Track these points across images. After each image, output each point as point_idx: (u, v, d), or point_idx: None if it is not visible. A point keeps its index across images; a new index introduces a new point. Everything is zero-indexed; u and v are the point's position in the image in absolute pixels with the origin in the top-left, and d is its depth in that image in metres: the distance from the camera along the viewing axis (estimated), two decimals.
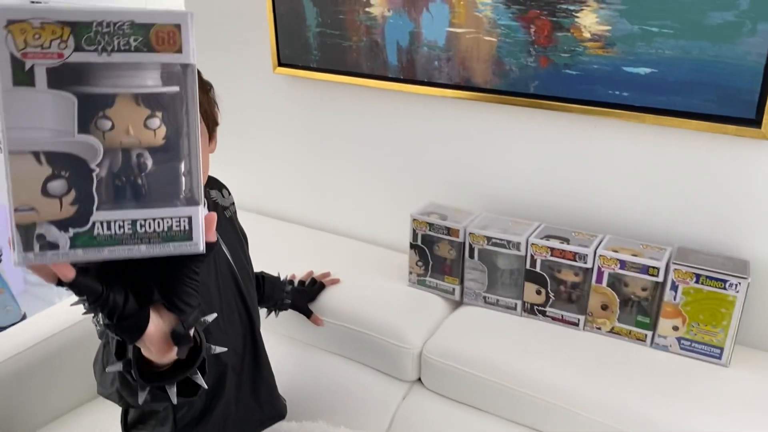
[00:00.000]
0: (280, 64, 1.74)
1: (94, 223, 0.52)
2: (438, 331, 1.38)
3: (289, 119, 1.81)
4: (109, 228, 0.52)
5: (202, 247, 0.55)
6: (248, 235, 1.26)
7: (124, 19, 0.51)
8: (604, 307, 1.31)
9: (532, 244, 1.33)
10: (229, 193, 1.23)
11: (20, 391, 1.49)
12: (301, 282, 1.52)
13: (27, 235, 0.50)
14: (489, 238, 1.37)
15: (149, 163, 0.53)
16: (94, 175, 0.52)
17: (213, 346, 0.72)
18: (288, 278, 1.50)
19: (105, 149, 0.52)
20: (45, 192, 0.50)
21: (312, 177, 1.84)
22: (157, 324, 0.59)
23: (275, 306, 1.43)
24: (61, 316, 1.61)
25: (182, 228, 0.54)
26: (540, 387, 1.21)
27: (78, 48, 0.50)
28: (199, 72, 0.91)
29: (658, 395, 1.16)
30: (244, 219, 1.29)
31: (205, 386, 0.68)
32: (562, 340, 1.32)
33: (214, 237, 0.57)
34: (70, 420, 1.57)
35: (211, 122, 0.99)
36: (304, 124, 1.79)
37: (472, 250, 1.40)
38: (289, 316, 1.48)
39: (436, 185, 1.61)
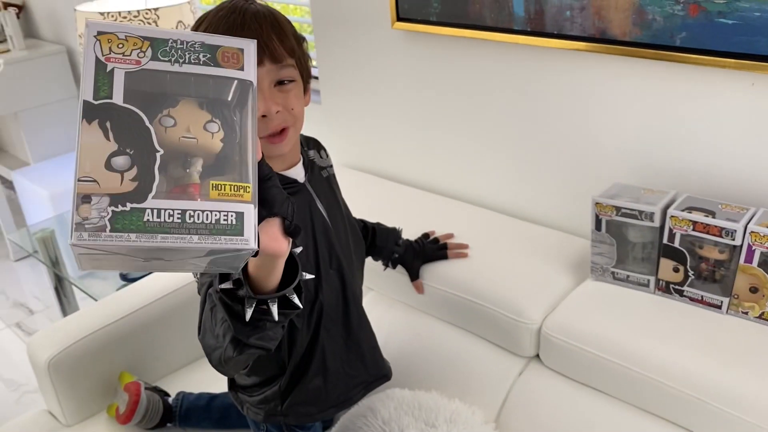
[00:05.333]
0: (399, 19, 1.66)
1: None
2: (560, 307, 1.29)
3: (408, 77, 1.74)
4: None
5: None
6: (370, 195, 1.22)
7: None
8: (753, 290, 1.16)
9: (672, 216, 1.20)
10: (327, 155, 1.21)
11: (148, 340, 1.57)
12: (425, 236, 1.46)
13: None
14: (618, 209, 1.25)
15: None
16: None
17: (303, 273, 0.78)
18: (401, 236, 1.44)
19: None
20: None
21: (427, 137, 1.77)
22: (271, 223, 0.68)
23: (388, 258, 1.39)
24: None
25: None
26: (671, 373, 1.10)
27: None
28: (291, 24, 0.97)
29: None
30: (357, 178, 1.25)
31: (301, 305, 0.76)
32: (701, 323, 1.19)
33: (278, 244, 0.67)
34: (194, 369, 1.65)
35: (306, 75, 1.00)
36: (424, 83, 1.71)
37: (599, 221, 1.28)
38: (404, 281, 1.44)
39: (558, 149, 1.49)
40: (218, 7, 0.95)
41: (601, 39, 1.31)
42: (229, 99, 0.60)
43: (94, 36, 0.57)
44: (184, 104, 0.58)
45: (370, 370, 1.22)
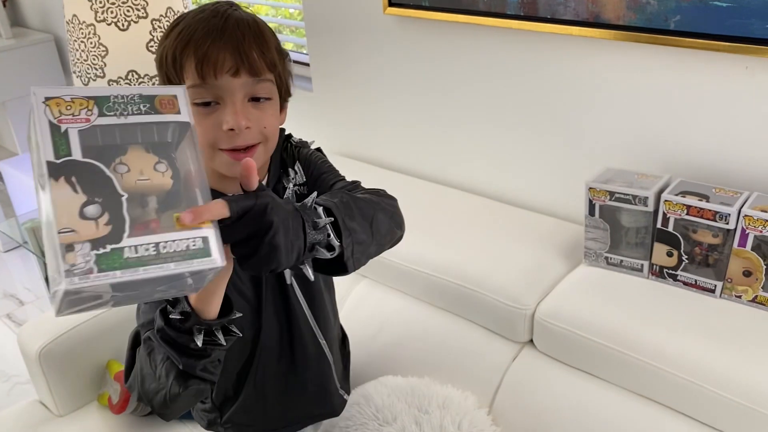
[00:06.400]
0: (391, 4, 1.65)
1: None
2: (553, 292, 1.29)
3: (400, 63, 1.73)
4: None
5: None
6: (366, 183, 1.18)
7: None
8: (747, 274, 1.16)
9: (666, 201, 1.19)
10: (296, 172, 1.04)
11: None
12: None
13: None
14: (612, 193, 1.25)
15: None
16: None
17: (234, 311, 0.83)
18: None
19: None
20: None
21: (418, 123, 1.76)
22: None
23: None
24: None
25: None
26: (664, 358, 1.10)
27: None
28: (276, 37, 0.94)
29: None
30: (348, 165, 1.24)
31: (240, 333, 0.83)
32: (695, 307, 1.19)
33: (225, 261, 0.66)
34: None
35: (284, 92, 0.95)
36: (416, 68, 1.70)
37: (592, 206, 1.28)
38: (398, 268, 1.44)
39: (551, 135, 1.49)
40: (200, 8, 0.89)
41: (595, 23, 1.30)
42: (170, 140, 0.67)
43: (43, 102, 0.63)
44: (133, 150, 0.65)
45: (316, 406, 1.19)
